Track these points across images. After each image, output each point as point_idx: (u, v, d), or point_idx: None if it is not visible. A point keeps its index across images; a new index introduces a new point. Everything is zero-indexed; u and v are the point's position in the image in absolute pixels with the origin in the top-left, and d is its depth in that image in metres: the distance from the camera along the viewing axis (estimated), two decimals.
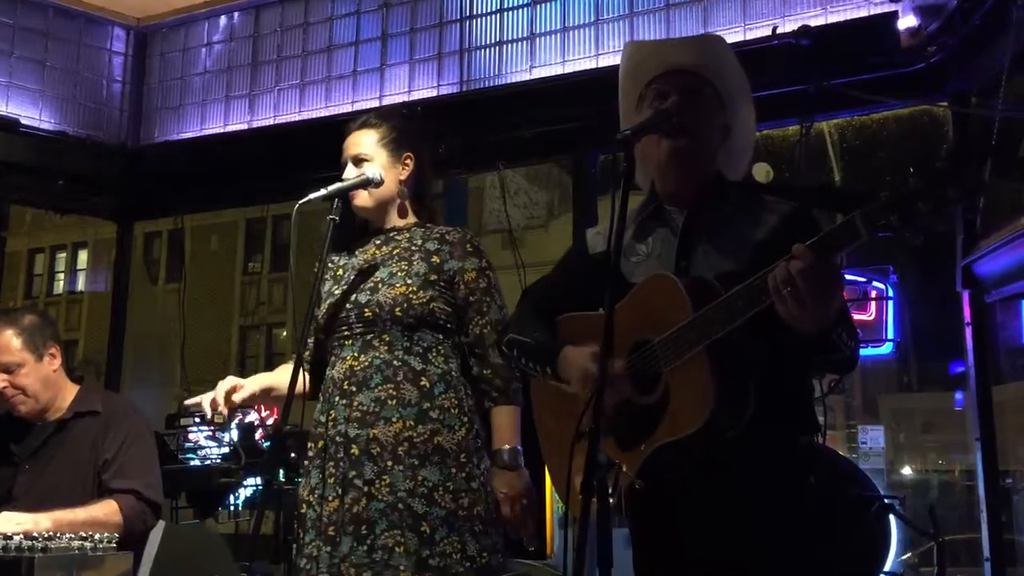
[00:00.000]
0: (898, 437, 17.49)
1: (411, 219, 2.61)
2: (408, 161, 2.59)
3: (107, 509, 2.81)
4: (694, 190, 1.97)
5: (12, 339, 2.96)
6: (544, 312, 2.10)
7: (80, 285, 24.20)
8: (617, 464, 1.81)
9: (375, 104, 4.47)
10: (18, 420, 3.02)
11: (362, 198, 2.54)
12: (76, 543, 2.43)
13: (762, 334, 1.69)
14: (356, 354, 2.44)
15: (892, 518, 3.80)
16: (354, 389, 2.41)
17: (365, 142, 2.57)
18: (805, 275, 1.56)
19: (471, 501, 2.37)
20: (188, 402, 2.61)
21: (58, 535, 2.44)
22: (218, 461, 5.41)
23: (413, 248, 2.54)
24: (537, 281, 2.27)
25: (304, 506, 2.43)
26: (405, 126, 2.63)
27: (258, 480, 5.20)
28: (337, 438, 2.39)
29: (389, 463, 2.34)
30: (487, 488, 2.41)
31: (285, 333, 21.36)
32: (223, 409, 2.49)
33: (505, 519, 2.39)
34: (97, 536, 2.48)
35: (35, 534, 2.43)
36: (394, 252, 2.54)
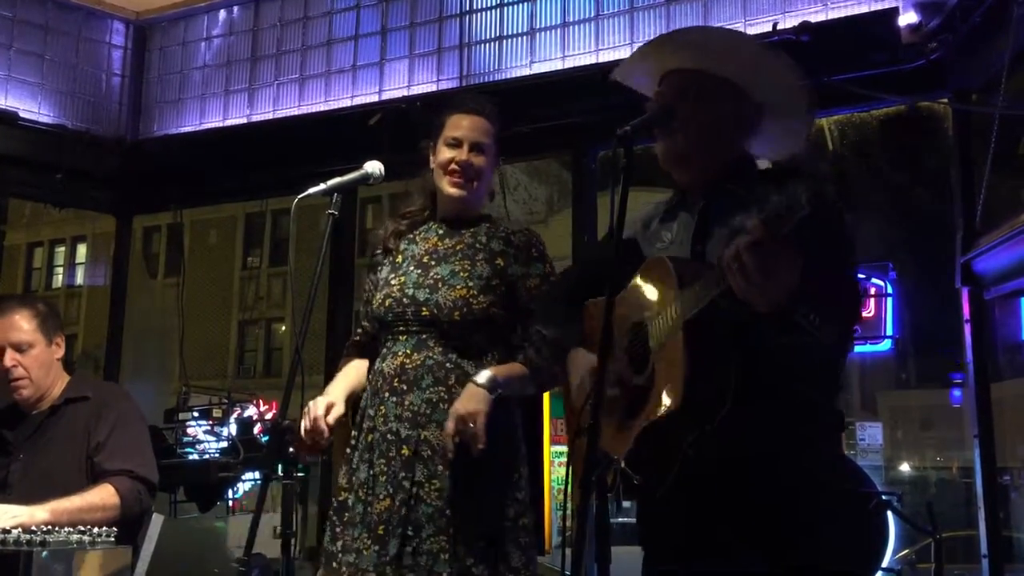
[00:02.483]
0: (896, 434, 17.53)
1: (482, 212, 2.57)
2: (498, 160, 2.56)
3: (103, 493, 2.82)
4: (708, 179, 1.97)
5: (28, 320, 3.02)
6: (575, 296, 2.11)
7: (79, 279, 24.18)
8: (616, 460, 1.81)
9: (375, 99, 4.47)
10: (12, 409, 3.05)
11: (466, 190, 2.45)
12: (75, 537, 2.43)
13: (745, 317, 1.67)
14: (409, 351, 2.39)
15: (890, 515, 3.81)
16: (404, 388, 2.37)
17: (487, 133, 2.49)
18: (750, 248, 1.55)
19: (516, 512, 2.35)
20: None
21: (56, 529, 2.44)
22: (216, 455, 5.41)
23: (478, 247, 2.48)
24: (573, 264, 2.29)
25: (343, 493, 2.40)
26: (500, 125, 2.56)
27: (257, 474, 5.20)
28: (388, 435, 2.36)
29: (440, 467, 2.31)
30: (530, 500, 2.39)
31: (284, 328, 21.37)
32: (326, 430, 2.36)
33: (447, 432, 2.25)
34: (96, 530, 2.48)
35: (33, 528, 2.43)
36: (457, 247, 2.48)
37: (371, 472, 2.36)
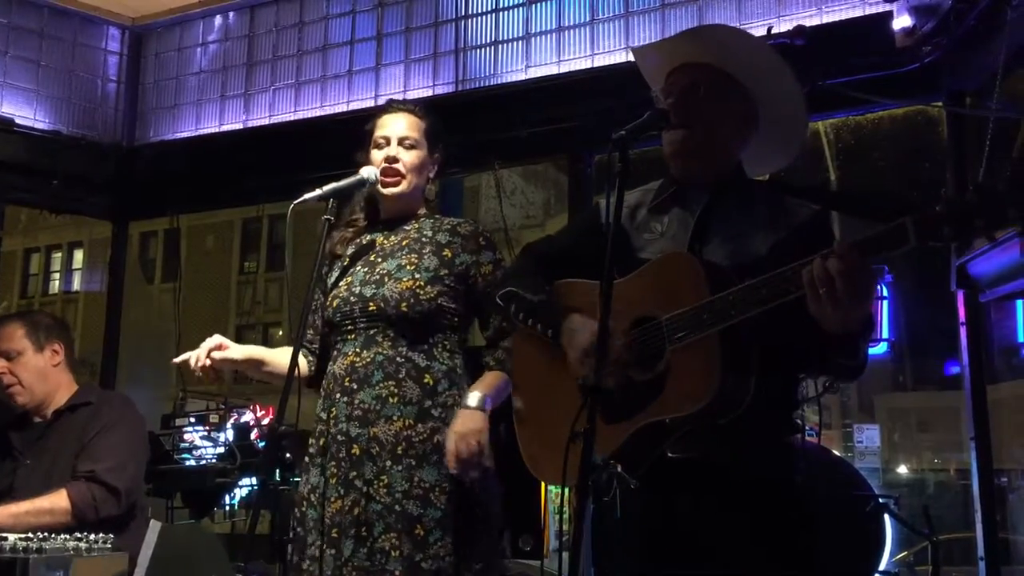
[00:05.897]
0: (893, 436, 17.55)
1: (420, 211, 2.59)
2: (437, 158, 2.58)
3: (55, 498, 2.83)
4: (711, 179, 1.97)
5: (17, 329, 3.10)
6: (544, 269, 2.09)
7: (76, 285, 24.16)
8: (612, 464, 1.81)
9: (371, 104, 4.46)
10: (23, 417, 3.12)
11: (400, 187, 2.49)
12: (71, 543, 2.43)
13: (780, 330, 1.68)
14: (358, 349, 2.40)
15: (887, 517, 3.81)
16: (355, 387, 2.37)
17: (415, 127, 2.53)
18: (843, 274, 1.55)
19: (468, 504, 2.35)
20: (176, 360, 2.52)
21: (52, 536, 2.44)
22: (213, 461, 5.39)
23: (423, 240, 2.49)
24: (540, 239, 2.25)
25: (304, 504, 2.40)
26: (439, 124, 2.61)
27: (254, 480, 5.19)
28: (339, 436, 2.35)
29: (388, 463, 2.31)
30: (485, 492, 2.36)
31: (281, 332, 21.34)
32: (203, 363, 2.43)
33: (449, 453, 2.28)
34: (92, 536, 2.48)
35: (30, 534, 2.43)
36: (403, 243, 2.50)
37: (323, 476, 2.35)
